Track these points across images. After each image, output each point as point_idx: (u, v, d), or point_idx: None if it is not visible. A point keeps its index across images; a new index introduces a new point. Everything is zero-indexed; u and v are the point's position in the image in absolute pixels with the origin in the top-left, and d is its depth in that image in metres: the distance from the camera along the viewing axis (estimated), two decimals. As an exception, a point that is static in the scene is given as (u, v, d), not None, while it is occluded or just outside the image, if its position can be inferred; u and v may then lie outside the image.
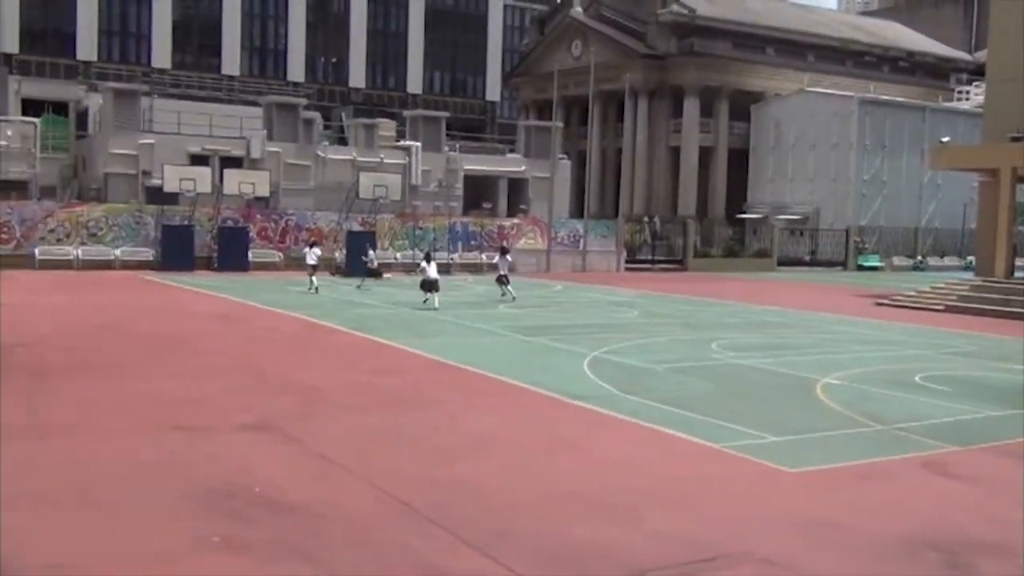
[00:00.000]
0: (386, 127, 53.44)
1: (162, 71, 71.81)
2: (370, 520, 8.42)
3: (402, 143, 50.77)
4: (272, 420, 12.14)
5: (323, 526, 8.23)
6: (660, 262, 51.79)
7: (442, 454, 10.79)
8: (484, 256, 45.19)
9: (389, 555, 7.61)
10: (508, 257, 32.63)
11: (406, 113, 56.70)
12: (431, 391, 14.86)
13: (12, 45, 68.12)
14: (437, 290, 26.64)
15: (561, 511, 8.89)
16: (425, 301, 26.56)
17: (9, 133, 42.86)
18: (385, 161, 47.41)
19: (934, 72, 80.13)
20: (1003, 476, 10.81)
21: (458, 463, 10.45)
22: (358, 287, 32.48)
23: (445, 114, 55.26)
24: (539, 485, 9.75)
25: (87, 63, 69.77)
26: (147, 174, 42.56)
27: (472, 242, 45.88)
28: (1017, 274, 34.81)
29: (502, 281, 30.37)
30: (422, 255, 30.81)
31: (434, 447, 11.12)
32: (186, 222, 39.36)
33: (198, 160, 42.92)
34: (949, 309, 31.33)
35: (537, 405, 13.90)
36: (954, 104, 71.08)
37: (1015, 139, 32.68)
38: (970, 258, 51.45)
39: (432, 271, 26.79)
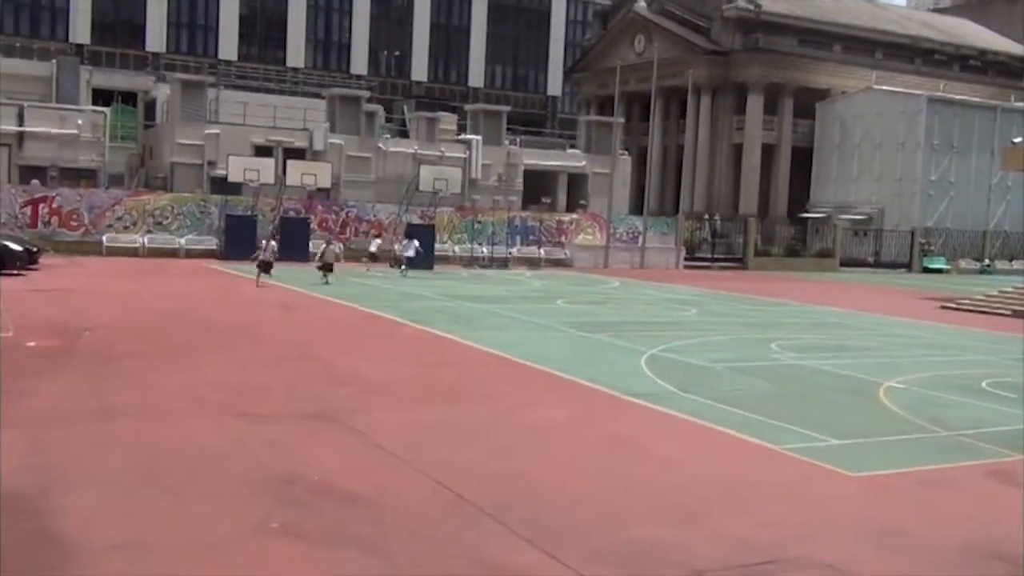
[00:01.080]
0: (447, 121, 53.67)
1: (228, 63, 72.88)
2: (427, 512, 8.46)
3: (463, 137, 50.95)
4: (332, 410, 12.26)
5: (380, 516, 8.29)
6: (720, 260, 51.35)
7: (500, 448, 10.80)
8: (542, 251, 45.19)
9: (445, 547, 7.65)
10: (415, 241, 36.57)
11: (467, 107, 56.88)
12: (489, 385, 14.89)
13: (84, 36, 69.69)
14: (331, 271, 30.51)
15: (618, 509, 8.85)
16: (325, 279, 29.96)
17: (80, 122, 43.81)
18: (446, 155, 47.60)
19: (1007, 71, 78.23)
20: (1072, 487, 10.53)
21: (516, 458, 10.46)
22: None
23: (506, 108, 55.30)
24: (596, 482, 9.72)
25: (156, 54, 71.11)
26: (212, 164, 43.20)
27: (531, 237, 45.90)
28: (1089, 280, 33.88)
29: (402, 263, 33.77)
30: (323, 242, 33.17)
31: (492, 441, 11.14)
32: (249, 212, 39.91)
33: (262, 151, 43.48)
34: (1017, 314, 30.58)
35: (595, 401, 13.86)
36: (1027, 104, 69.34)
37: (1090, 141, 31.80)
38: (1040, 262, 50.22)
39: (329, 255, 30.94)
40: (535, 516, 8.43)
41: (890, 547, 8.21)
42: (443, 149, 48.34)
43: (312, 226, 41.05)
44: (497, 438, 11.31)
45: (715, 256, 51.72)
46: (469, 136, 50.36)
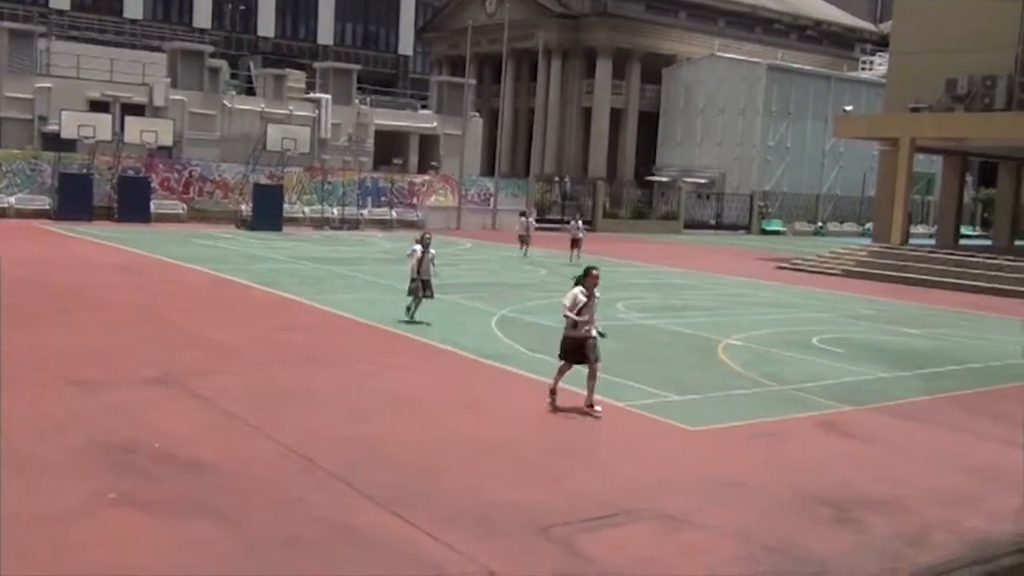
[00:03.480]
0: (295, 78, 52.28)
1: (61, 12, 68.91)
2: (275, 477, 8.36)
3: (312, 95, 49.82)
4: (176, 375, 11.93)
5: (227, 483, 8.15)
6: (569, 222, 52.00)
7: (351, 412, 10.76)
8: (394, 212, 44.85)
9: (293, 512, 7.59)
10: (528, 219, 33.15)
11: (316, 65, 55.52)
12: (340, 348, 14.77)
13: None
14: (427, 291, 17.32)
15: (468, 469, 8.97)
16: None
17: None
18: (294, 113, 46.50)
19: (840, 42, 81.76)
20: (892, 435, 11.28)
21: (367, 422, 10.44)
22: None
23: (356, 67, 54.30)
24: (447, 443, 9.81)
25: (-21, 1, 66.60)
26: (43, 119, 40.99)
27: (382, 198, 45.47)
28: (912, 241, 36.06)
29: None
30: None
31: (343, 405, 11.07)
32: (84, 170, 38.05)
33: (98, 106, 41.46)
34: (847, 274, 32.29)
35: (446, 363, 13.94)
36: (858, 74, 72.71)
37: (915, 109, 33.66)
38: (868, 225, 52.99)
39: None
40: (385, 479, 8.46)
41: (726, 496, 8.61)
42: (291, 108, 47.18)
43: (153, 185, 39.54)
44: (347, 402, 11.25)
45: (565, 218, 52.32)
46: (318, 95, 49.30)
